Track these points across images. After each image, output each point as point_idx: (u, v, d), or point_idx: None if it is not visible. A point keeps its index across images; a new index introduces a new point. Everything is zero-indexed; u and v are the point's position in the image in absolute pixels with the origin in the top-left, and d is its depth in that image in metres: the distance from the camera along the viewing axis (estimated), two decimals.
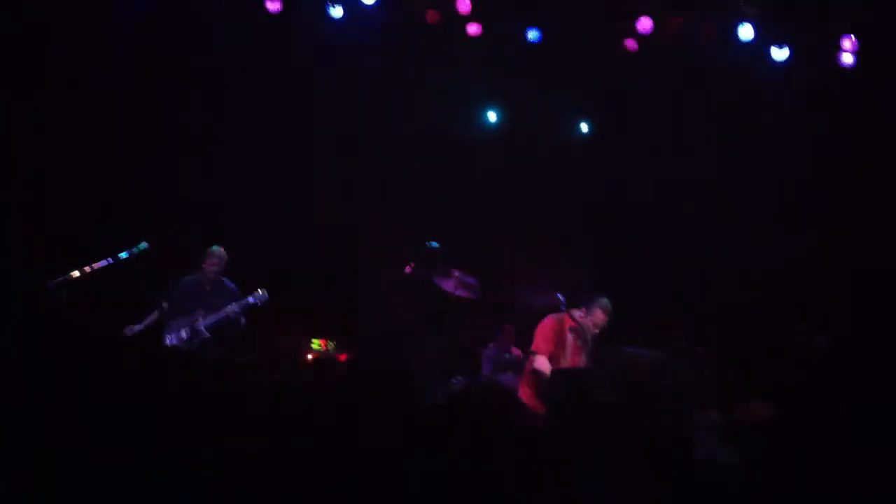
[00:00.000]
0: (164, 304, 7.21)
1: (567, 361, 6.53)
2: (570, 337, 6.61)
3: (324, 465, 2.31)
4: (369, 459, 2.32)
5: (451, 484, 2.27)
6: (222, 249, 7.30)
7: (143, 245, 6.57)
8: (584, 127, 9.61)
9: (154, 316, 7.20)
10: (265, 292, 7.18)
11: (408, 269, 7.82)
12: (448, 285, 8.06)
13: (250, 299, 7.13)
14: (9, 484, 2.03)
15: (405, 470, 2.30)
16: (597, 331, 6.60)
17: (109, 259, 6.37)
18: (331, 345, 8.55)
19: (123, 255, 6.47)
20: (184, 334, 7.08)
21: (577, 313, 6.68)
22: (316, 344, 8.51)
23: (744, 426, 6.20)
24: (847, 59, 8.26)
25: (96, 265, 6.28)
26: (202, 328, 7.04)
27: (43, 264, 6.32)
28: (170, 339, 7.08)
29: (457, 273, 8.01)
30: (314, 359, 8.44)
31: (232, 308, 7.06)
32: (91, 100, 8.15)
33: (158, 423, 2.24)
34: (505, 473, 2.42)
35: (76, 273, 6.14)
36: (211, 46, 8.39)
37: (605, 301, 6.62)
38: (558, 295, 7.37)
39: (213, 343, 7.03)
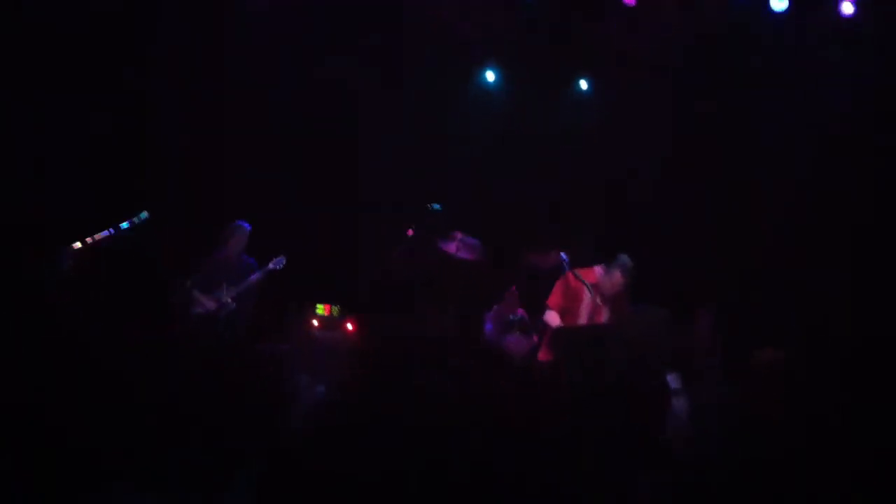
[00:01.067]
0: (188, 284, 7.33)
1: (582, 319, 6.57)
2: (586, 295, 6.62)
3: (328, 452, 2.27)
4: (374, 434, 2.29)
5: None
6: (245, 225, 7.45)
7: (144, 214, 6.50)
8: (584, 84, 9.50)
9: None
10: (283, 257, 7.40)
11: (409, 232, 7.77)
12: (450, 247, 8.03)
13: (271, 265, 7.37)
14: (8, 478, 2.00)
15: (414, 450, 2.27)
16: (615, 290, 6.58)
17: (111, 229, 6.32)
18: (335, 310, 8.53)
19: (125, 225, 6.41)
20: (211, 305, 7.28)
21: (594, 272, 6.69)
22: (320, 309, 8.48)
23: (755, 373, 6.23)
24: (847, 8, 8.18)
25: (98, 236, 6.23)
26: (228, 300, 7.27)
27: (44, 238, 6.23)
28: (199, 310, 7.25)
29: (459, 235, 7.98)
30: (319, 324, 8.42)
31: (256, 276, 7.32)
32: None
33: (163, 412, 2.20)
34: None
35: (78, 244, 6.09)
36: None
37: (625, 262, 6.60)
38: (562, 255, 7.36)
39: (239, 312, 7.28)
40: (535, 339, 8.08)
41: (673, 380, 4.46)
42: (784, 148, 8.60)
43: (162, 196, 7.72)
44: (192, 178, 8.45)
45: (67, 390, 2.22)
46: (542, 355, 6.64)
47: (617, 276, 6.55)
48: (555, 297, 6.71)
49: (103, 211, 6.74)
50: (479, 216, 8.81)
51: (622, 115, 9.02)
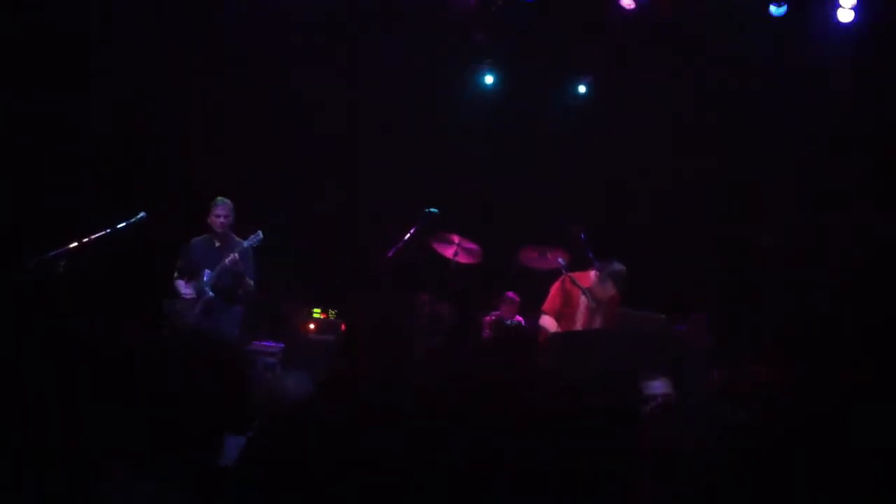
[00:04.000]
0: (176, 275, 6.89)
1: (578, 323, 6.58)
2: (581, 299, 6.63)
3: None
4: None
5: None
6: (227, 200, 6.92)
7: (142, 215, 6.50)
8: (582, 88, 9.50)
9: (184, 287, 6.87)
10: (260, 233, 6.84)
11: (407, 235, 7.75)
12: (448, 251, 8.02)
13: (245, 243, 6.78)
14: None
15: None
16: (608, 295, 6.59)
17: (107, 230, 6.32)
18: (331, 314, 8.52)
19: (121, 225, 6.41)
20: (190, 294, 6.75)
21: (588, 276, 6.70)
22: (317, 313, 8.47)
23: (744, 388, 6.19)
24: (845, 15, 8.18)
25: (94, 236, 6.22)
26: (207, 288, 6.72)
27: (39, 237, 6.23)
28: (178, 304, 6.78)
29: (457, 239, 7.97)
30: (315, 328, 8.42)
31: (231, 258, 6.66)
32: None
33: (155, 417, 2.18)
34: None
35: (74, 244, 6.08)
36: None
37: (617, 269, 6.61)
38: (559, 259, 7.34)
39: (218, 301, 6.77)
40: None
41: (660, 385, 4.44)
42: (784, 148, 8.60)
43: (160, 196, 7.73)
44: (191, 178, 8.43)
45: (59, 389, 2.20)
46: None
47: (609, 284, 6.56)
48: (551, 301, 6.73)
49: (100, 211, 6.75)
50: (477, 219, 8.79)
51: (621, 115, 9.02)
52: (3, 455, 1.99)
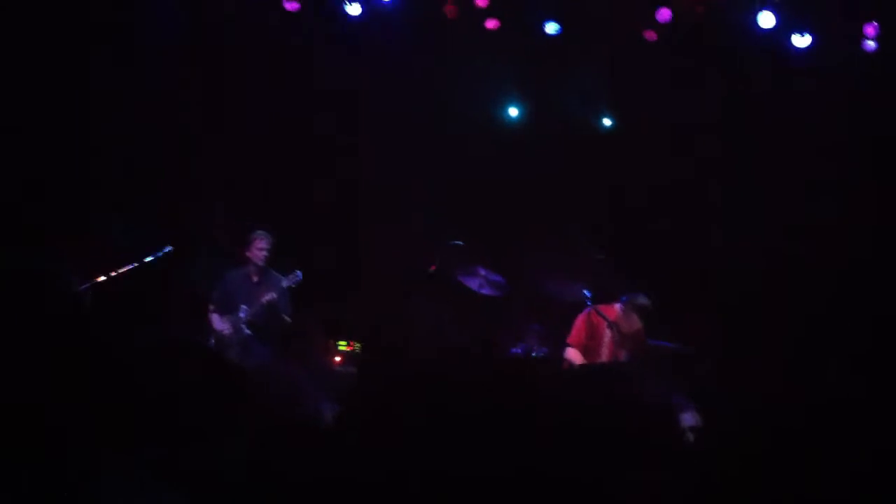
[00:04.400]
0: (211, 308, 6.78)
1: (603, 356, 6.53)
2: (607, 332, 6.60)
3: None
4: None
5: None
6: (268, 233, 6.80)
7: (168, 249, 6.58)
8: (607, 122, 9.50)
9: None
10: (298, 272, 6.75)
11: (432, 268, 7.75)
12: (473, 284, 7.99)
13: (284, 283, 6.66)
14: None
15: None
16: (634, 328, 6.55)
17: (135, 263, 6.39)
18: (357, 346, 8.50)
19: (149, 258, 6.48)
20: (227, 330, 6.63)
21: (613, 309, 6.67)
22: (343, 345, 8.46)
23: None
24: (870, 45, 8.14)
25: (121, 269, 6.30)
26: (243, 325, 6.60)
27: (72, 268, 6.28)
28: (212, 340, 6.69)
29: (482, 271, 7.94)
30: (341, 360, 8.39)
31: (270, 296, 6.57)
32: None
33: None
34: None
35: (102, 277, 6.16)
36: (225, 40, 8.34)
37: (643, 303, 6.58)
38: (584, 291, 7.29)
39: (258, 342, 6.65)
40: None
41: (689, 418, 4.41)
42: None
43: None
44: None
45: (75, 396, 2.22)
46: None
47: (634, 317, 6.53)
48: (576, 334, 6.69)
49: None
50: (501, 251, 8.76)
51: (645, 144, 9.01)
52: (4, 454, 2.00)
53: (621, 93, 9.01)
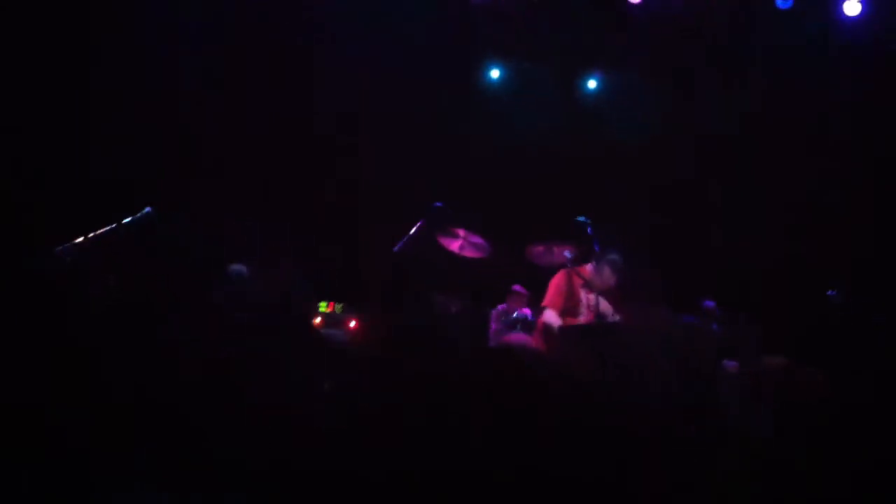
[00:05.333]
0: None
1: (582, 317, 6.54)
2: (583, 293, 6.61)
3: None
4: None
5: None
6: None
7: (147, 210, 6.54)
8: (592, 83, 9.44)
9: None
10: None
11: (413, 230, 7.73)
12: (454, 245, 8.00)
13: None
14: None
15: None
16: (606, 287, 6.57)
17: (114, 225, 6.35)
18: (338, 308, 8.51)
19: (127, 221, 6.44)
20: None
21: (587, 270, 6.68)
22: (323, 306, 8.47)
23: (761, 379, 6.19)
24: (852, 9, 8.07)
25: (100, 231, 6.26)
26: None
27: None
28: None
29: (462, 233, 7.94)
30: (321, 321, 8.41)
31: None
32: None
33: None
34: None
35: (80, 239, 6.12)
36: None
37: (613, 258, 6.58)
38: (565, 252, 7.30)
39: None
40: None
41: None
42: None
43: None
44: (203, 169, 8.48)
45: (77, 386, 2.22)
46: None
47: (607, 272, 6.53)
48: (552, 297, 6.68)
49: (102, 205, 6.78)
50: (484, 213, 8.76)
51: (627, 108, 8.97)
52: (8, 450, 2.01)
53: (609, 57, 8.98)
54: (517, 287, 8.83)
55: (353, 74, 8.86)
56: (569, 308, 6.58)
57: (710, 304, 7.43)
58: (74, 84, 7.92)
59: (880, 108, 8.07)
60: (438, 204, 7.82)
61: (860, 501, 2.29)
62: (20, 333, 2.35)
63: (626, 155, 9.03)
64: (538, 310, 7.52)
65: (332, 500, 2.15)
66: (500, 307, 8.88)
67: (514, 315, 8.45)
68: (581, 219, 7.57)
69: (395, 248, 7.54)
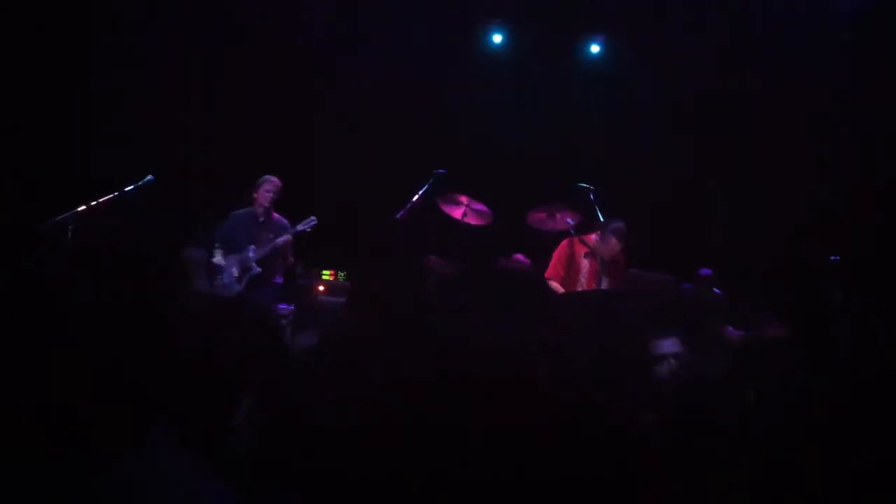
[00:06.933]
0: (216, 245, 7.07)
1: (583, 285, 6.54)
2: (584, 262, 6.61)
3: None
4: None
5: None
6: (276, 178, 7.17)
7: (150, 178, 6.51)
8: (595, 48, 9.36)
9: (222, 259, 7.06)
10: (313, 218, 7.09)
11: (415, 197, 7.71)
12: (456, 212, 7.97)
13: (300, 227, 7.04)
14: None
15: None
16: (612, 255, 6.56)
17: (115, 193, 6.32)
18: (340, 275, 8.53)
19: (129, 188, 6.41)
20: (235, 272, 6.97)
21: (591, 238, 6.67)
22: (326, 274, 8.48)
23: (760, 344, 6.22)
24: None
25: (102, 199, 6.23)
26: (253, 263, 6.94)
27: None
28: (226, 278, 6.97)
29: (465, 199, 7.91)
30: (325, 290, 8.43)
31: (284, 239, 6.96)
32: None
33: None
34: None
35: (82, 207, 6.09)
36: None
37: (618, 226, 6.56)
38: (567, 220, 7.28)
39: (263, 277, 6.99)
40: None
41: (670, 344, 4.44)
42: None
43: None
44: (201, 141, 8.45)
45: (74, 364, 2.21)
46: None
47: (612, 241, 6.52)
48: (554, 266, 6.70)
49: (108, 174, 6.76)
50: (486, 179, 8.72)
51: (632, 75, 8.90)
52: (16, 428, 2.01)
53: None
54: (519, 256, 8.81)
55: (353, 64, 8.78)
56: (570, 278, 6.59)
57: (706, 271, 7.42)
58: (74, 84, 7.94)
59: (880, 108, 8.04)
60: (442, 171, 7.80)
61: (860, 501, 2.30)
62: (20, 333, 2.32)
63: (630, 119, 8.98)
64: (542, 282, 7.53)
65: (331, 500, 2.15)
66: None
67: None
68: (582, 184, 7.56)
69: (398, 215, 7.54)
